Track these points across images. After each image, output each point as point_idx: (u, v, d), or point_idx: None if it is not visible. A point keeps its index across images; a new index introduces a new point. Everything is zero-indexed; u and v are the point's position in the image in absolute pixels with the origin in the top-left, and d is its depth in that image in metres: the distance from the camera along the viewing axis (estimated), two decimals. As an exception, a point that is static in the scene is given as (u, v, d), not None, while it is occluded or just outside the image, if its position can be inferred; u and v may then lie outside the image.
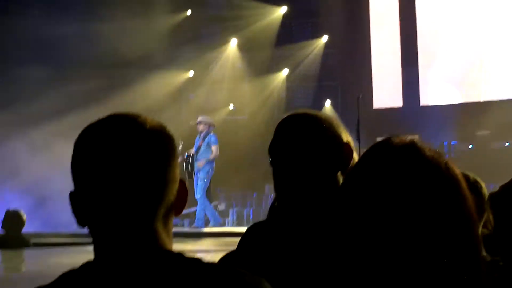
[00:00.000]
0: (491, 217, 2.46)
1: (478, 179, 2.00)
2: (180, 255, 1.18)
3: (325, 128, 1.69)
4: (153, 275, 1.14)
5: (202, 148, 11.52)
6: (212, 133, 11.66)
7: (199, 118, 11.78)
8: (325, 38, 15.11)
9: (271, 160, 1.71)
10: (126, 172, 1.18)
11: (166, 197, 1.21)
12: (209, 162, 11.50)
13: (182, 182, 1.25)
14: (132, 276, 1.14)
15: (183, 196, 1.25)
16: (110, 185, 1.18)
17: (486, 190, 2.14)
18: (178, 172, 1.25)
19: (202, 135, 11.63)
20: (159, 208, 1.20)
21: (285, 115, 1.76)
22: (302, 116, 1.73)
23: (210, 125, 11.75)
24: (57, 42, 12.31)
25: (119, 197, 1.18)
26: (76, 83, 12.25)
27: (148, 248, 1.18)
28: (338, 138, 1.70)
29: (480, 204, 1.83)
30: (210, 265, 1.17)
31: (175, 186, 1.23)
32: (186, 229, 11.49)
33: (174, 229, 1.26)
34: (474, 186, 2.02)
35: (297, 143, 1.67)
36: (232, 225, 12.31)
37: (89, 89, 12.18)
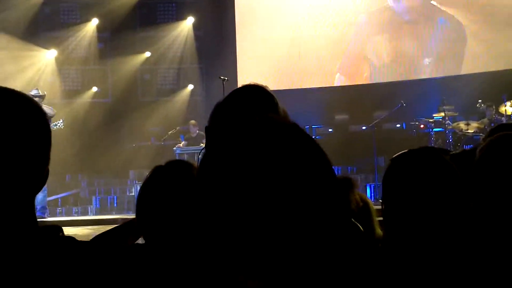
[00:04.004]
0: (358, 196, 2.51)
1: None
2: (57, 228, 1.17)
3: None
4: (34, 249, 1.11)
5: None
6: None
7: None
8: (190, 20, 14.95)
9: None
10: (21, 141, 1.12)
11: (44, 174, 1.18)
12: None
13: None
14: (12, 250, 1.10)
15: (46, 178, 1.21)
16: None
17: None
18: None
19: None
20: (39, 185, 1.17)
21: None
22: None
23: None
24: None
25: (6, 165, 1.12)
26: None
27: (28, 224, 1.15)
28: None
29: None
30: (86, 243, 1.18)
31: (47, 166, 1.21)
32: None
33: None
34: None
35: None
36: (95, 213, 11.87)
37: None
